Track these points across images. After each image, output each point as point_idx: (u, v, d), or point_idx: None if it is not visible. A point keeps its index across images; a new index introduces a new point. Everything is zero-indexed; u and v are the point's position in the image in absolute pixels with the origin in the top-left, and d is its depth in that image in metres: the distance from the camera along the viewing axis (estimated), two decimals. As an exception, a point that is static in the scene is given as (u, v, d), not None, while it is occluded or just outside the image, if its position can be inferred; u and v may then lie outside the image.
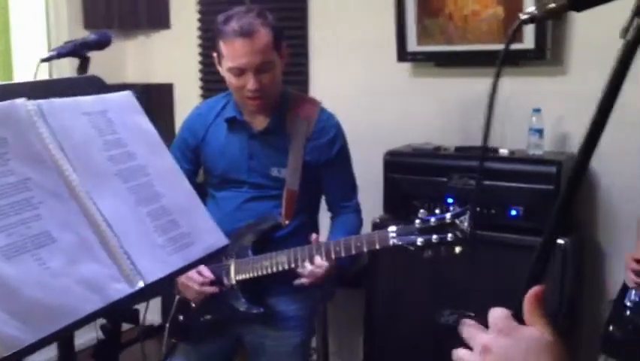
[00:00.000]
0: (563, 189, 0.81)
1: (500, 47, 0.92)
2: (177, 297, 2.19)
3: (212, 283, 2.10)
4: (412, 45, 3.07)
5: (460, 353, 0.79)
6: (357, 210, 2.28)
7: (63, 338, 1.20)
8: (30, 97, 1.10)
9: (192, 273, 2.06)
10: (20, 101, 1.08)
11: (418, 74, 3.22)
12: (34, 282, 0.92)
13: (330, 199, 2.27)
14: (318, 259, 1.96)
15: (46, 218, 0.99)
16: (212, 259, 1.30)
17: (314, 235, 2.01)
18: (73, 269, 0.97)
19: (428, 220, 1.84)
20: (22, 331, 0.87)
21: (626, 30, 0.77)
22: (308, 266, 1.97)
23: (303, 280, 1.99)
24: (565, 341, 0.75)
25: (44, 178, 1.03)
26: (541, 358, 0.73)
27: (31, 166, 1.03)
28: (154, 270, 1.09)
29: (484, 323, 0.81)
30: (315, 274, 1.97)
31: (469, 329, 0.81)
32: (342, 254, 1.94)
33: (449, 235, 1.82)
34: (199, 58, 3.73)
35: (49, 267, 0.95)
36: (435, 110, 3.17)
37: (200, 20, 3.69)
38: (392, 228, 1.89)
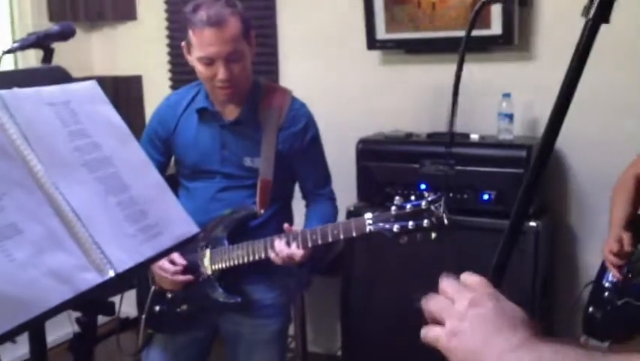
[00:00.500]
0: (529, 171, 0.82)
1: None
2: (153, 288, 2.18)
3: (186, 270, 2.08)
4: (381, 33, 3.08)
5: (432, 330, 0.78)
6: (332, 198, 2.29)
7: (33, 328, 1.19)
8: (-8, 88, 1.08)
9: (165, 263, 2.05)
10: (-19, 91, 1.06)
11: (388, 61, 3.23)
12: (0, 274, 0.90)
13: (304, 188, 2.28)
14: (293, 246, 1.95)
15: (11, 209, 0.97)
16: (183, 247, 1.29)
17: (286, 225, 2.01)
18: (40, 260, 0.96)
19: (404, 207, 1.85)
20: (-11, 323, 0.85)
21: (587, 9, 0.77)
22: (282, 247, 1.96)
23: (274, 258, 1.98)
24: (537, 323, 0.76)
25: (8, 169, 1.01)
26: (521, 327, 0.73)
27: (-6, 157, 1.01)
28: (125, 259, 1.07)
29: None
30: (285, 257, 1.96)
31: (451, 283, 0.80)
32: (319, 242, 1.94)
33: (425, 221, 1.83)
34: (167, 49, 3.69)
35: (15, 258, 0.93)
36: (405, 97, 3.18)
37: (167, 11, 3.65)
38: (368, 215, 1.89)
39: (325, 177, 2.30)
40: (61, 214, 1.03)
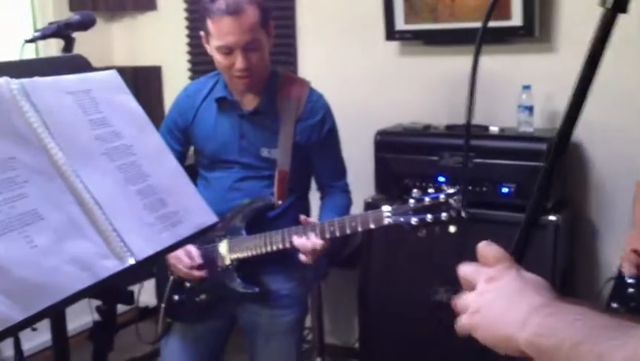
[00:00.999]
0: (546, 162, 0.81)
1: (488, 24, 0.91)
2: (172, 277, 2.19)
3: (201, 266, 2.10)
4: (400, 24, 3.06)
5: (458, 319, 0.77)
6: (347, 191, 2.29)
7: (54, 315, 1.20)
8: (13, 76, 1.09)
9: (182, 255, 2.06)
10: (2, 80, 1.07)
11: (406, 52, 3.21)
12: (22, 260, 0.91)
13: (319, 180, 2.27)
14: (312, 236, 1.96)
15: (33, 197, 0.98)
16: (202, 236, 1.29)
17: (302, 217, 2.01)
18: (61, 247, 0.97)
19: (422, 200, 1.85)
20: (12, 308, 0.86)
21: None
22: (304, 242, 1.96)
23: (304, 259, 1.99)
24: None
25: (29, 157, 1.02)
26: (545, 290, 0.72)
27: (16, 145, 1.02)
28: (144, 247, 1.08)
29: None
30: (310, 250, 1.97)
31: (468, 267, 0.79)
32: (337, 234, 1.94)
33: (443, 215, 1.83)
34: (187, 39, 3.70)
35: (37, 245, 0.94)
36: (424, 89, 3.16)
37: (186, 1, 3.65)
38: (386, 207, 1.89)
39: (341, 170, 2.29)
40: (82, 202, 1.04)
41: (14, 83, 1.07)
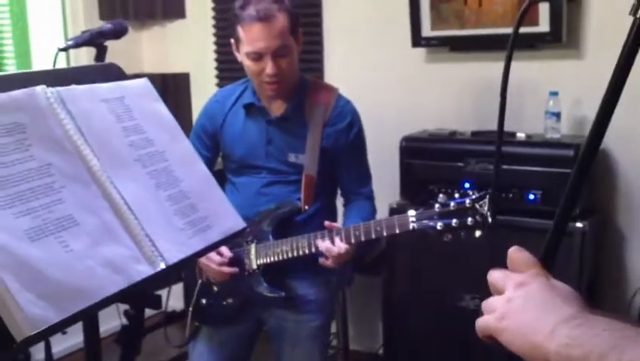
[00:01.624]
0: (574, 170, 0.81)
1: (515, 30, 0.91)
2: (200, 281, 2.22)
3: (231, 263, 2.12)
4: (427, 30, 3.07)
5: (481, 319, 0.78)
6: (371, 198, 2.29)
7: (88, 318, 1.23)
8: (49, 84, 1.13)
9: (212, 253, 2.08)
10: (40, 88, 1.10)
11: (433, 59, 3.22)
12: (58, 264, 0.94)
13: (344, 185, 2.28)
14: (337, 241, 1.97)
15: (69, 202, 1.01)
16: (230, 242, 1.31)
17: (327, 222, 2.02)
18: (96, 251, 0.99)
19: (448, 205, 1.85)
20: (48, 310, 0.89)
21: (636, 7, 0.76)
22: (330, 246, 1.97)
23: (327, 263, 2.00)
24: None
25: (65, 163, 1.05)
26: (574, 300, 0.72)
27: (52, 152, 1.05)
28: (174, 252, 1.11)
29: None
30: (336, 255, 1.98)
31: (497, 273, 0.79)
32: (362, 238, 1.95)
33: (469, 220, 1.82)
34: (214, 47, 3.75)
35: (73, 249, 0.97)
36: (450, 95, 3.17)
37: (214, 9, 3.70)
38: (412, 212, 1.89)
39: (366, 176, 2.30)
40: (116, 207, 1.07)
41: (51, 91, 1.11)
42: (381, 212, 2.58)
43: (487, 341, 0.77)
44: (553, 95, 2.78)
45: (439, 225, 1.84)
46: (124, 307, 1.44)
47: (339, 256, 1.98)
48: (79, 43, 1.74)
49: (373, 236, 1.95)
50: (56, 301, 0.90)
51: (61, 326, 0.91)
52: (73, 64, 3.44)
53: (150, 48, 3.97)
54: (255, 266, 2.12)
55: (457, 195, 1.87)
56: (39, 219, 0.96)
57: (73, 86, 1.15)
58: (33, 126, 1.04)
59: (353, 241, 1.97)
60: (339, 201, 2.35)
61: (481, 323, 0.77)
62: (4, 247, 0.90)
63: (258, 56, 2.03)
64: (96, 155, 1.09)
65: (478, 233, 1.83)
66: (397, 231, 1.91)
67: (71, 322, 0.92)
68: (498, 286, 0.78)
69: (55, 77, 1.16)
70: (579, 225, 2.54)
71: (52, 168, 1.03)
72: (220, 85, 3.66)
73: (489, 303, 0.78)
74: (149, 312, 1.50)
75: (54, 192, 1.00)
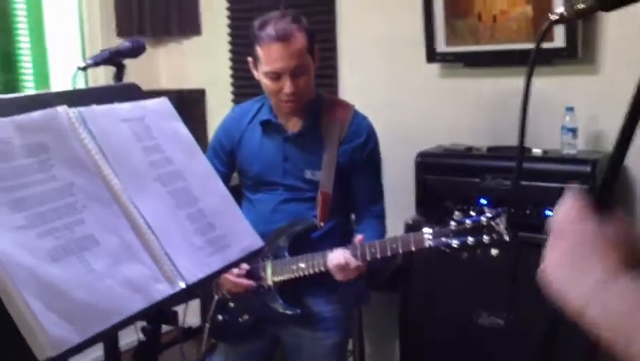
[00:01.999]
0: (598, 187, 0.81)
1: (530, 46, 0.92)
2: (216, 297, 2.22)
3: (248, 277, 2.12)
4: (441, 46, 3.07)
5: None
6: (382, 217, 2.28)
7: (108, 337, 1.23)
8: (71, 105, 1.14)
9: None
10: (62, 108, 1.12)
11: (447, 74, 3.22)
12: (80, 284, 0.95)
13: (356, 202, 2.26)
14: (347, 253, 1.96)
15: (90, 222, 1.02)
16: (249, 260, 1.32)
17: (359, 237, 2.01)
18: (117, 271, 1.00)
19: (464, 222, 1.85)
20: (70, 331, 0.89)
21: None
22: (338, 258, 1.97)
23: (338, 277, 2.00)
24: None
25: (87, 183, 1.06)
26: (614, 252, 0.71)
27: (74, 171, 1.06)
28: (194, 271, 1.11)
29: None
30: (338, 264, 1.97)
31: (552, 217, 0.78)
32: (378, 255, 1.95)
33: (485, 237, 1.82)
34: (230, 63, 3.77)
35: (94, 269, 0.98)
36: (465, 111, 3.16)
37: (230, 26, 3.73)
38: (427, 230, 1.89)
39: (378, 194, 2.29)
40: (136, 227, 1.08)
41: (72, 111, 1.12)
42: (397, 228, 2.57)
43: None
44: (569, 110, 2.76)
45: (455, 243, 1.84)
46: (141, 322, 1.45)
47: (344, 268, 1.97)
48: (98, 62, 1.76)
49: (389, 253, 1.95)
50: (78, 322, 0.91)
51: (82, 347, 0.91)
52: (91, 82, 3.48)
53: (166, 64, 4.01)
54: (270, 283, 2.12)
55: (473, 213, 1.86)
56: (61, 240, 0.97)
57: (94, 106, 1.16)
58: (55, 146, 1.05)
59: (369, 257, 1.96)
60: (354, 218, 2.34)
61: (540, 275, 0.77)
62: (27, 268, 0.91)
63: (276, 76, 2.04)
64: (117, 174, 1.10)
65: (494, 251, 1.82)
66: (413, 248, 1.91)
67: (93, 342, 0.92)
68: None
69: (77, 97, 1.18)
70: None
71: (74, 188, 1.04)
72: (235, 101, 3.68)
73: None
74: (165, 328, 1.50)
75: (76, 211, 1.01)
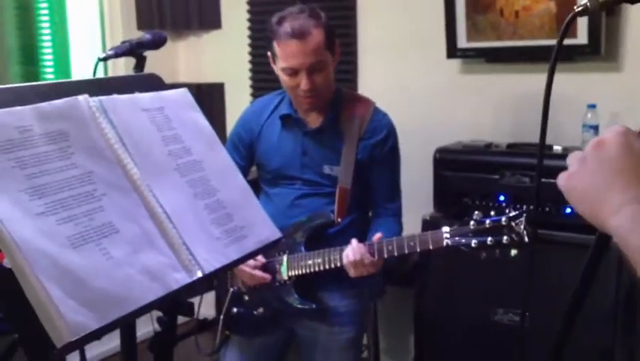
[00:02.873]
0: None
1: (552, 42, 0.91)
2: (231, 290, 2.23)
3: (264, 270, 2.12)
4: (462, 42, 3.05)
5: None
6: (398, 215, 2.27)
7: (126, 325, 1.24)
8: (92, 94, 1.15)
9: None
10: (83, 97, 1.12)
11: (468, 70, 3.20)
12: (99, 271, 0.95)
13: (374, 198, 2.26)
14: (362, 248, 1.95)
15: (109, 210, 1.03)
16: (266, 251, 1.32)
17: (377, 234, 2.01)
18: (135, 259, 1.01)
19: (483, 222, 1.83)
20: (88, 317, 0.90)
21: None
22: (352, 250, 1.97)
23: (351, 273, 1.99)
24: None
25: (106, 171, 1.07)
26: None
27: (94, 160, 1.07)
28: (211, 261, 1.11)
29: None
30: (353, 260, 1.96)
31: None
32: (395, 253, 1.94)
33: (504, 238, 1.80)
34: (249, 57, 3.78)
35: (113, 256, 0.98)
36: (485, 107, 3.14)
37: (249, 20, 3.73)
38: (446, 228, 1.88)
39: (396, 191, 2.28)
40: (155, 216, 1.08)
41: (93, 101, 1.12)
42: (414, 224, 2.56)
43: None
44: (591, 107, 2.74)
45: (474, 242, 1.83)
46: (157, 313, 1.45)
47: (358, 264, 1.96)
48: (119, 54, 1.76)
49: (406, 251, 1.94)
50: (96, 309, 0.91)
51: (100, 333, 0.92)
52: (110, 73, 3.50)
53: (186, 58, 4.02)
54: (286, 277, 2.12)
55: (492, 212, 1.84)
56: (81, 226, 0.98)
57: (115, 96, 1.17)
58: (76, 135, 1.06)
59: (385, 255, 1.95)
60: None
61: (558, 179, 0.74)
62: (46, 254, 0.91)
63: (293, 72, 2.04)
64: (136, 164, 1.11)
65: (513, 252, 1.81)
66: (431, 247, 1.90)
67: (110, 329, 0.93)
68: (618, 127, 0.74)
69: (98, 87, 1.18)
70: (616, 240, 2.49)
71: (93, 176, 1.04)
72: (254, 95, 3.69)
73: (569, 158, 0.75)
74: (180, 319, 1.51)
75: (95, 199, 1.02)
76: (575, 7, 0.92)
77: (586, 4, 0.90)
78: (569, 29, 2.92)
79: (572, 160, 0.74)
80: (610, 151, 0.70)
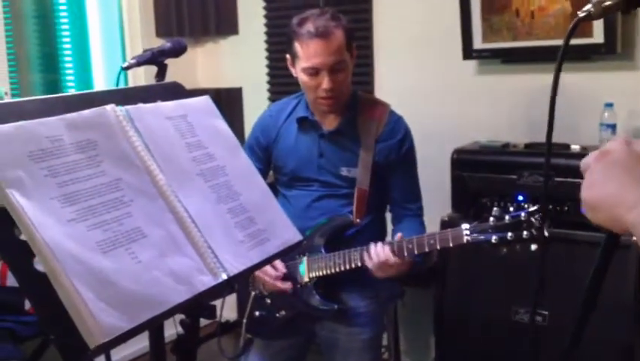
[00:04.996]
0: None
1: (570, 41, 0.92)
2: (253, 293, 2.26)
3: (285, 278, 2.15)
4: (478, 42, 3.06)
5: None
6: (420, 215, 2.28)
7: (154, 327, 1.28)
8: (118, 103, 1.18)
9: (267, 266, 2.12)
10: (110, 106, 1.16)
11: (484, 71, 3.21)
12: (128, 274, 0.99)
13: (394, 200, 2.27)
14: (387, 249, 1.97)
15: (137, 215, 1.06)
16: (288, 253, 1.35)
17: (399, 234, 2.03)
18: (162, 262, 1.04)
19: (503, 218, 1.84)
20: (119, 319, 0.93)
21: None
22: (377, 251, 1.98)
23: (375, 273, 2.01)
24: None
25: (134, 178, 1.10)
26: None
27: (122, 167, 1.10)
28: (236, 264, 1.15)
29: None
30: (378, 262, 1.98)
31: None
32: (415, 251, 1.95)
33: (525, 233, 1.81)
34: (266, 62, 3.81)
35: (141, 260, 1.02)
36: (501, 108, 3.15)
37: (266, 25, 3.77)
38: (466, 225, 1.89)
39: (415, 192, 2.29)
40: (180, 220, 1.12)
41: (120, 110, 1.16)
42: (433, 225, 2.58)
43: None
44: (608, 106, 2.74)
45: (494, 238, 1.84)
46: (180, 316, 1.49)
47: (383, 266, 1.98)
48: (141, 62, 1.80)
49: (426, 249, 1.95)
50: (127, 311, 0.95)
51: (130, 335, 0.95)
52: (131, 81, 3.55)
53: (204, 63, 4.07)
54: (307, 279, 2.15)
55: (511, 209, 1.85)
56: (110, 232, 1.01)
57: (140, 105, 1.20)
58: (104, 143, 1.10)
59: (406, 253, 1.97)
60: (388, 215, 2.35)
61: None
62: (78, 259, 0.95)
63: (314, 72, 2.07)
64: (162, 170, 1.14)
65: (533, 247, 1.81)
66: (451, 244, 1.91)
67: (140, 330, 0.96)
68: (585, 165, 0.78)
69: (123, 96, 1.22)
70: (635, 238, 2.49)
71: (121, 183, 1.08)
72: (272, 99, 3.73)
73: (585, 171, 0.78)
74: (202, 322, 1.54)
75: (124, 205, 1.06)
76: (579, 13, 0.94)
77: (589, 9, 0.92)
78: (586, 29, 2.92)
79: (585, 176, 0.78)
80: (615, 156, 0.74)
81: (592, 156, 0.77)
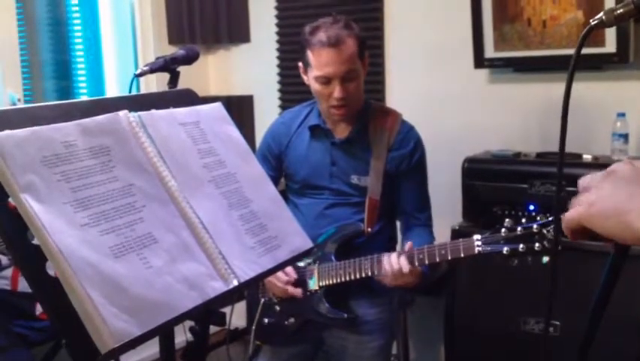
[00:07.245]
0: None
1: (582, 51, 0.92)
2: (262, 300, 2.26)
3: (296, 284, 2.15)
4: (490, 51, 3.06)
5: (569, 211, 0.78)
6: (429, 225, 2.28)
7: (164, 333, 1.28)
8: (131, 109, 1.19)
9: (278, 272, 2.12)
10: (123, 112, 1.17)
11: (496, 80, 3.20)
12: (140, 279, 0.99)
13: (403, 209, 2.27)
14: (402, 259, 1.96)
15: (149, 220, 1.06)
16: (299, 260, 1.35)
17: (409, 243, 2.02)
18: (174, 268, 1.04)
19: (515, 229, 1.83)
20: (131, 324, 0.94)
21: None
22: (392, 260, 1.98)
23: (384, 280, 2.00)
24: None
25: (146, 184, 1.11)
26: None
27: (134, 173, 1.11)
28: (246, 270, 1.15)
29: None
30: (394, 272, 1.97)
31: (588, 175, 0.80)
32: (426, 262, 1.95)
33: (537, 245, 1.80)
34: (277, 70, 3.83)
35: (153, 266, 1.02)
36: (513, 117, 3.14)
37: (278, 34, 3.78)
38: (477, 236, 1.88)
39: (425, 202, 2.29)
40: (192, 226, 1.12)
41: (133, 116, 1.17)
42: (443, 234, 2.57)
43: (574, 238, 0.77)
44: (620, 116, 2.73)
45: (506, 249, 1.83)
46: (189, 323, 1.49)
47: (397, 274, 1.97)
48: (154, 69, 1.82)
49: (437, 260, 1.94)
50: (138, 316, 0.95)
51: (141, 340, 0.95)
52: (143, 88, 3.57)
53: (216, 71, 4.09)
54: (317, 287, 2.15)
55: (523, 220, 1.84)
56: (122, 237, 1.02)
57: (153, 111, 1.21)
58: (117, 149, 1.10)
59: (417, 263, 1.96)
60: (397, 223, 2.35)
61: (569, 215, 0.77)
62: (90, 263, 0.95)
63: (326, 80, 2.07)
64: (174, 176, 1.15)
65: (545, 259, 1.80)
66: (462, 255, 1.90)
67: (151, 336, 0.97)
68: (587, 183, 0.78)
69: (136, 102, 1.23)
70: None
71: (133, 189, 1.09)
72: (283, 107, 3.73)
73: (578, 199, 0.77)
74: (212, 329, 1.54)
75: (136, 211, 1.06)
76: (591, 21, 0.93)
77: (602, 17, 0.91)
78: (598, 38, 2.90)
79: (582, 197, 0.77)
80: (621, 173, 0.74)
81: (593, 177, 0.78)
